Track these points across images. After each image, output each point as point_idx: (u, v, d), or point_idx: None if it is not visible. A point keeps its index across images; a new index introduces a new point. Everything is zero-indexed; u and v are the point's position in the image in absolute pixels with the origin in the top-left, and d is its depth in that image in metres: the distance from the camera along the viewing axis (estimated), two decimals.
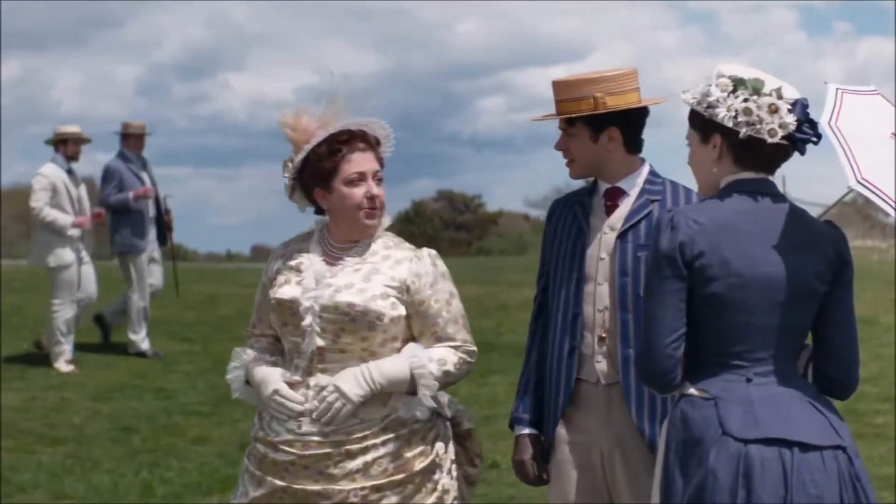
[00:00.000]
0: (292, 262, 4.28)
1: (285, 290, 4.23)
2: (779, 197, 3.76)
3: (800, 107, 3.64)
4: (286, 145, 4.28)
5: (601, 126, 4.26)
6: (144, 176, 13.01)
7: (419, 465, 4.17)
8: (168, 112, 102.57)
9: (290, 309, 4.19)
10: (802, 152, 3.71)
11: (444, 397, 4.35)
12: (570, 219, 4.41)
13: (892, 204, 3.57)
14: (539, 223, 59.89)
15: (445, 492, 4.25)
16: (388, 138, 4.30)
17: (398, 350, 4.18)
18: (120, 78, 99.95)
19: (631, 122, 4.31)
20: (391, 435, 4.13)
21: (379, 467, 4.10)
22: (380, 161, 4.25)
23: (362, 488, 4.09)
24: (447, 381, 4.22)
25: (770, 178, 3.78)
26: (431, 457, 4.21)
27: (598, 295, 4.31)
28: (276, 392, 4.20)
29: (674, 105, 4.07)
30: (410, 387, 4.14)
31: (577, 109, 4.24)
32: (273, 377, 4.24)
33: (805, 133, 3.64)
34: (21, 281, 18.16)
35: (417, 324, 4.22)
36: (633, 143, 4.35)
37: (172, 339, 14.06)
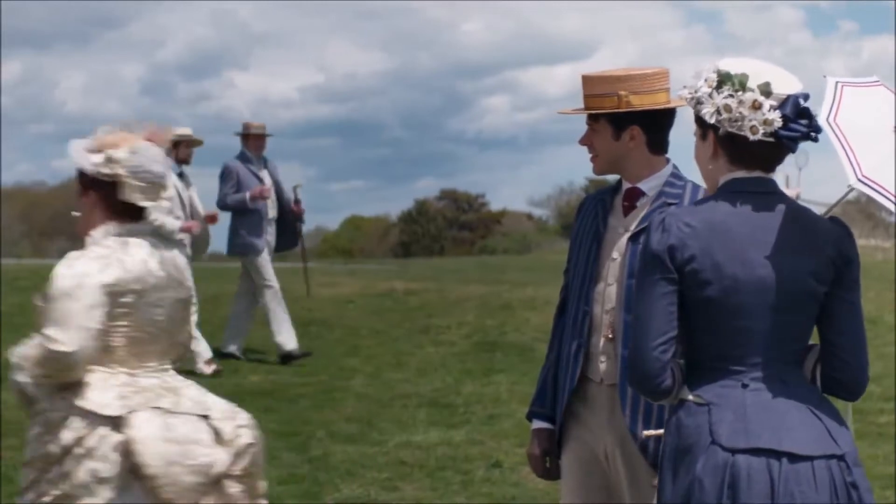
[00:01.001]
0: None
1: None
2: (778, 196, 3.67)
3: (791, 103, 3.54)
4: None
5: (623, 124, 4.26)
6: (264, 176, 12.76)
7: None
8: (172, 111, 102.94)
9: None
10: (792, 150, 3.63)
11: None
12: (591, 217, 4.42)
13: (895, 201, 3.53)
14: (542, 222, 60.04)
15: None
16: None
17: None
18: (124, 77, 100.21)
19: (655, 122, 4.30)
20: None
21: None
22: None
23: None
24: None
25: (768, 176, 3.69)
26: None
27: (607, 295, 4.31)
28: None
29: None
30: None
31: (601, 106, 4.24)
32: None
33: (792, 130, 3.54)
34: (25, 280, 18.15)
35: None
36: (657, 143, 4.34)
37: None
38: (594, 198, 4.52)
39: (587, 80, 4.29)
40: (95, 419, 4.27)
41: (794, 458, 3.43)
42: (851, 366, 3.66)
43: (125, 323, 4.35)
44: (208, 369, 11.82)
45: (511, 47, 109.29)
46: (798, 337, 3.65)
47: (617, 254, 4.30)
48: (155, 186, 4.42)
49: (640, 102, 4.22)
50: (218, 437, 4.46)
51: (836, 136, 3.54)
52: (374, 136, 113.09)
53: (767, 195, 3.65)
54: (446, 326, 14.95)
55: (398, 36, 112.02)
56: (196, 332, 11.90)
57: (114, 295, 4.28)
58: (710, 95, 3.58)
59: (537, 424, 4.54)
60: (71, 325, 4.19)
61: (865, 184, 3.50)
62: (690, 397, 3.61)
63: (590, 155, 4.37)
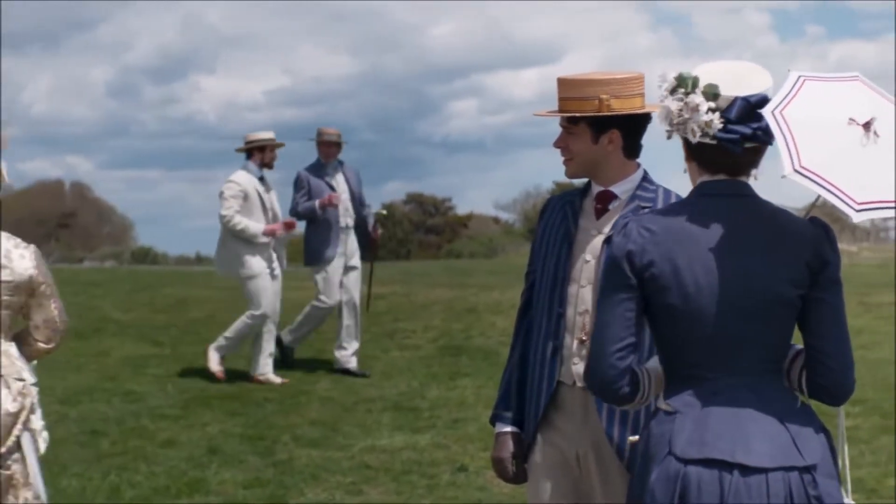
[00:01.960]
0: None
1: None
2: (749, 198, 3.62)
3: (737, 106, 3.50)
4: None
5: (603, 128, 4.25)
6: (337, 183, 12.43)
7: None
8: (140, 114, 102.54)
9: None
10: (735, 152, 3.53)
11: None
12: (559, 218, 4.41)
13: (837, 193, 3.41)
14: (509, 226, 60.08)
15: None
16: None
17: None
18: (91, 80, 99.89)
19: (633, 127, 4.30)
20: None
21: None
22: None
23: None
24: None
25: (736, 179, 3.62)
26: None
27: (581, 297, 4.30)
28: None
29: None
30: None
31: (581, 109, 4.22)
32: None
33: (732, 133, 3.49)
34: None
35: None
36: (632, 148, 4.34)
37: (142, 343, 14.03)
38: (560, 200, 4.51)
39: (565, 83, 4.27)
40: None
41: (746, 470, 3.37)
42: (835, 371, 3.57)
43: None
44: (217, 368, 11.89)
45: (479, 51, 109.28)
46: (772, 344, 3.57)
47: (590, 256, 4.29)
48: None
49: (622, 106, 4.22)
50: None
51: (779, 126, 3.44)
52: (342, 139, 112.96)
53: (737, 198, 3.59)
54: (412, 330, 14.96)
55: (366, 39, 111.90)
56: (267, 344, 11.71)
57: None
58: (665, 98, 3.58)
59: (503, 428, 4.50)
60: None
61: (802, 174, 3.38)
62: (662, 405, 3.59)
63: (563, 158, 4.35)
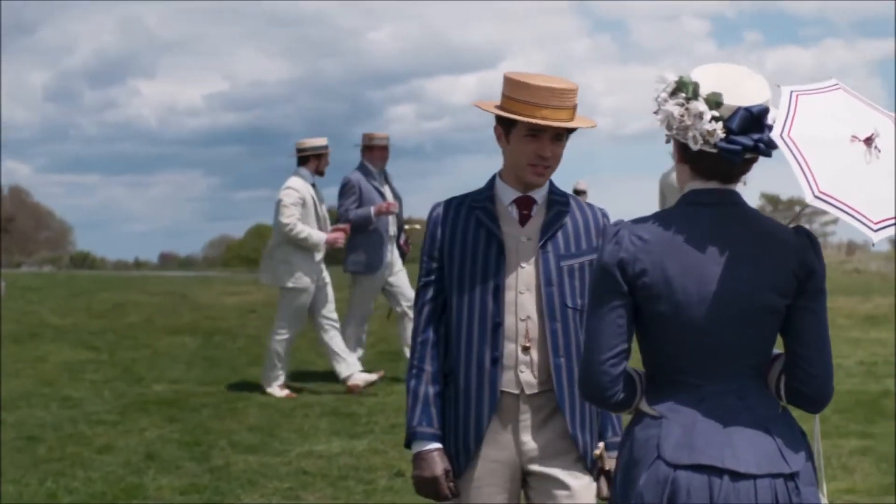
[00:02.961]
0: None
1: None
2: (738, 207, 3.61)
3: (739, 116, 3.48)
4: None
5: (568, 137, 4.29)
6: (386, 190, 12.16)
7: None
8: (78, 118, 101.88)
9: None
10: (734, 163, 3.52)
11: None
12: (472, 224, 4.33)
13: (856, 215, 3.40)
14: None
15: None
16: None
17: None
18: (30, 84, 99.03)
19: None
20: None
21: None
22: None
23: None
24: None
25: (727, 187, 3.61)
26: None
27: (521, 304, 4.26)
28: None
29: None
30: None
31: (572, 118, 4.23)
32: None
33: (734, 143, 3.46)
34: None
35: None
36: None
37: (79, 348, 13.98)
38: (460, 204, 4.41)
39: (556, 92, 4.19)
40: None
41: (736, 476, 3.39)
42: (817, 378, 3.59)
43: None
44: (281, 392, 11.61)
45: (418, 56, 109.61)
46: (758, 351, 3.59)
47: (525, 262, 4.27)
48: None
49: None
50: None
51: (791, 151, 3.41)
52: (281, 143, 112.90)
53: (726, 206, 3.59)
54: None
55: (305, 44, 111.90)
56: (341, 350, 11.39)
57: None
58: (665, 101, 3.55)
59: (429, 445, 4.32)
60: None
61: (823, 199, 3.36)
62: (647, 410, 3.59)
63: (542, 165, 4.27)
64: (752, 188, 3.62)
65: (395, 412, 10.67)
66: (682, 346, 3.53)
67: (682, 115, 3.50)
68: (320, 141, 11.80)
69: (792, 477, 3.46)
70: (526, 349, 4.25)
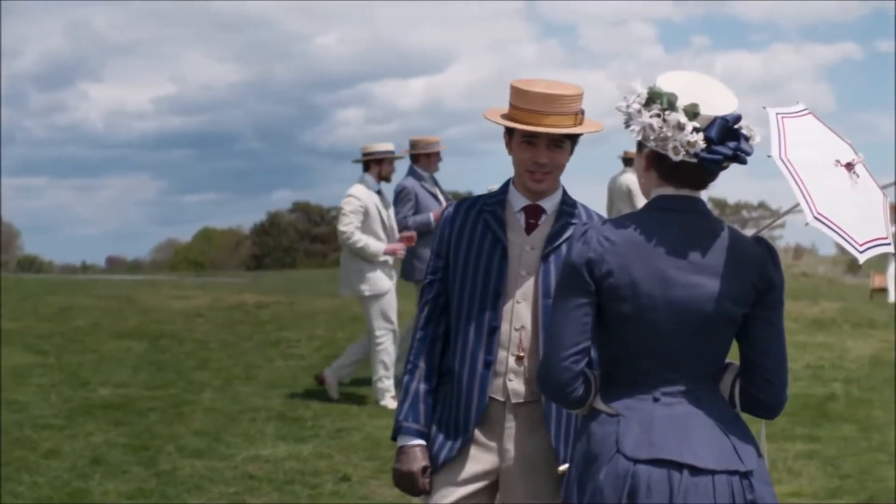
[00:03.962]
0: None
1: None
2: (704, 216, 3.68)
3: (717, 126, 3.55)
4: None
5: (575, 142, 4.30)
6: (439, 195, 11.84)
7: None
8: (26, 121, 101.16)
9: None
10: (713, 172, 3.62)
11: None
12: (480, 227, 4.34)
13: (845, 237, 3.52)
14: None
15: None
16: None
17: None
18: None
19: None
20: None
21: None
22: None
23: None
24: None
25: (696, 195, 3.70)
26: None
27: (517, 313, 4.27)
28: None
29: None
30: None
31: (574, 123, 4.22)
32: None
33: (715, 153, 3.54)
34: None
35: None
36: None
37: (26, 352, 13.91)
38: (472, 207, 4.42)
39: (559, 98, 4.18)
40: None
41: (695, 470, 3.48)
42: (774, 385, 3.70)
43: None
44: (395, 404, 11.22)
45: (366, 60, 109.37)
46: (714, 356, 3.69)
47: (525, 271, 4.28)
48: None
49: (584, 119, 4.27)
50: None
51: (790, 172, 3.50)
52: (228, 147, 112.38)
53: (693, 214, 3.67)
54: (297, 340, 15.01)
55: (254, 47, 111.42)
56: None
57: None
58: (639, 112, 3.60)
59: (412, 440, 4.36)
60: None
61: (821, 221, 3.47)
62: (603, 407, 3.66)
63: (539, 172, 4.26)
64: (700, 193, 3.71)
65: (340, 416, 10.72)
66: (642, 347, 3.61)
67: (660, 127, 3.56)
68: (384, 146, 11.45)
69: (747, 475, 3.56)
70: (519, 359, 4.27)
